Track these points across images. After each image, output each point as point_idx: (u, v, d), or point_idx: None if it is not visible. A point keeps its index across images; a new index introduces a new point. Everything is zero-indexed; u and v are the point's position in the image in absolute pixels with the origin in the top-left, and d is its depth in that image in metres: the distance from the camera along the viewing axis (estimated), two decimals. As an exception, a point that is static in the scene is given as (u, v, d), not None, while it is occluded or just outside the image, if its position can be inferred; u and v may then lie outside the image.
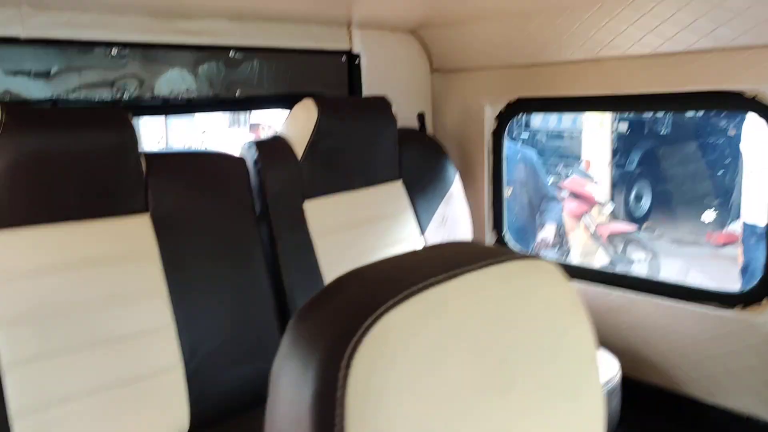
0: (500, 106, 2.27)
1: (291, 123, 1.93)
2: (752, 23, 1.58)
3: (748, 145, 4.38)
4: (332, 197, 1.94)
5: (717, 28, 1.64)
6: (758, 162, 4.20)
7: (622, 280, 2.04)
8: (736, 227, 5.74)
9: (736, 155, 4.62)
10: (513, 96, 2.22)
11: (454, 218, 2.17)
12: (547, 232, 4.51)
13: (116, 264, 1.48)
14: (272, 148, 1.86)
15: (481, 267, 0.53)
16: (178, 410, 1.52)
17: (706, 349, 1.81)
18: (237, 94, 1.93)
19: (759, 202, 4.34)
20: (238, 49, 1.91)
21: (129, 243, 1.52)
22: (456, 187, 2.19)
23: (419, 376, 0.47)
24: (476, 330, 0.51)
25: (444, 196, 2.16)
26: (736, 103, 1.72)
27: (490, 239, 2.35)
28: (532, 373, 0.54)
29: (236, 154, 1.83)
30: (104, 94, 1.68)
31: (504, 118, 2.28)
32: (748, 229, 4.62)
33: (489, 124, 2.30)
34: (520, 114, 2.31)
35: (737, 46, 1.65)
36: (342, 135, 1.91)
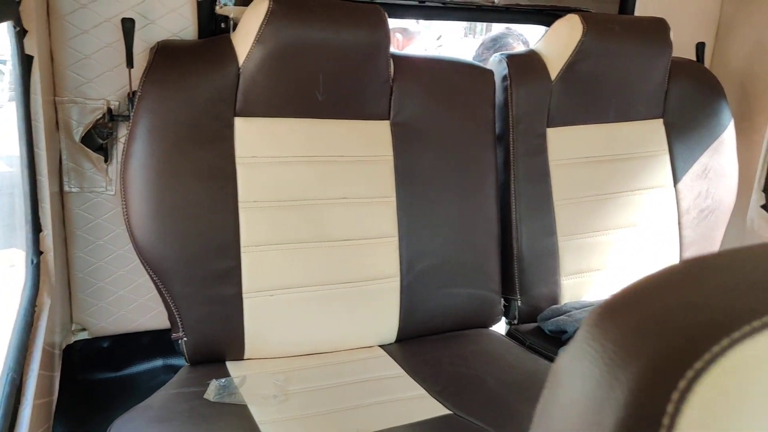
0: (809, 45, 1.84)
1: (550, 38, 1.74)
2: None
3: None
4: (580, 128, 1.75)
5: None
6: None
7: None
8: None
9: None
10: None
11: (719, 171, 1.86)
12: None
13: (354, 167, 1.48)
14: (524, 65, 1.70)
15: None
16: (390, 320, 1.53)
17: None
18: (496, 1, 1.77)
19: None
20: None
21: (368, 148, 1.50)
22: (728, 136, 1.86)
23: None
24: None
25: (711, 143, 1.85)
26: None
27: (756, 201, 1.99)
28: None
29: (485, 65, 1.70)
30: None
31: (810, 60, 1.86)
32: None
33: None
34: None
35: None
36: (606, 59, 1.68)
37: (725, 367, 0.32)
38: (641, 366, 0.33)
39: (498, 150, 1.66)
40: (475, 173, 1.61)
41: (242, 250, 1.37)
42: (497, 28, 2.79)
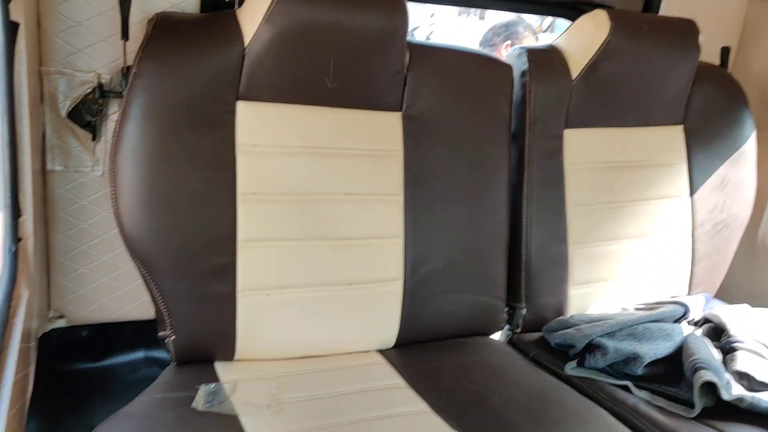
0: (838, 57, 1.77)
1: (573, 34, 1.64)
2: None
3: None
4: (598, 131, 1.66)
5: None
6: None
7: None
8: None
9: None
10: None
11: (737, 184, 1.79)
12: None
13: (361, 161, 1.38)
14: (545, 60, 1.60)
15: None
16: (390, 324, 1.45)
17: None
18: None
19: None
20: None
21: (377, 141, 1.40)
22: (749, 147, 1.79)
23: None
24: None
25: (732, 154, 1.77)
26: None
27: (769, 217, 1.93)
28: None
29: (503, 59, 1.61)
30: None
31: (839, 72, 1.78)
32: None
33: (814, 77, 1.82)
34: None
35: None
36: (631, 60, 1.59)
37: None
38: None
39: (512, 149, 1.58)
40: (487, 173, 1.52)
41: (238, 245, 1.28)
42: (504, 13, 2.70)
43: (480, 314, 1.57)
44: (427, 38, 8.49)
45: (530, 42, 2.62)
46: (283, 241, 1.32)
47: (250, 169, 1.28)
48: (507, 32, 2.66)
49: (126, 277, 1.49)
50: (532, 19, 2.42)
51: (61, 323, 1.49)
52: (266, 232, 1.30)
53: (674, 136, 1.75)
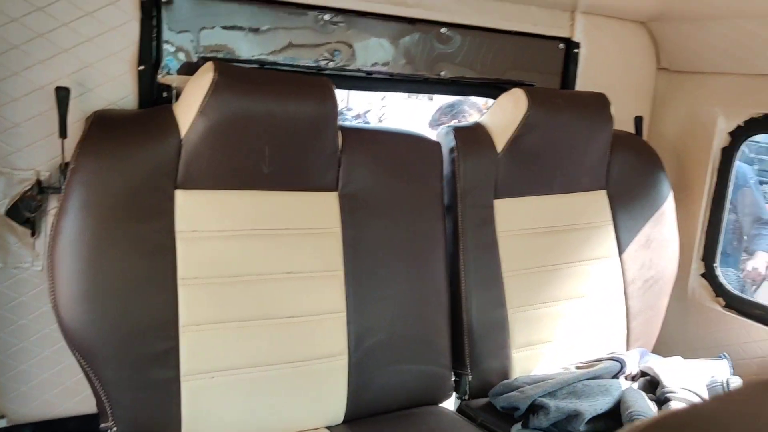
0: (738, 121, 1.93)
1: (496, 112, 1.76)
2: None
3: None
4: (526, 199, 1.76)
5: None
6: None
7: None
8: None
9: None
10: (757, 110, 1.87)
11: (661, 241, 1.89)
12: (758, 262, 3.95)
13: (300, 241, 1.43)
14: (471, 137, 1.71)
15: None
16: (337, 400, 1.46)
17: None
18: (442, 74, 1.79)
19: None
20: (449, 25, 1.77)
21: (315, 220, 1.46)
22: (668, 206, 1.91)
23: None
24: None
25: (653, 214, 1.89)
26: None
27: (696, 270, 2.03)
28: None
29: (432, 137, 1.71)
30: (310, 60, 1.62)
31: (740, 134, 1.94)
32: None
33: (719, 139, 1.97)
34: (764, 132, 1.95)
35: None
36: (550, 132, 1.71)
37: None
38: None
39: (447, 221, 1.65)
40: (424, 245, 1.59)
41: (181, 330, 1.29)
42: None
43: (427, 384, 1.59)
44: (379, 120, 8.80)
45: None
46: (225, 323, 1.34)
47: (190, 255, 1.32)
48: (453, 111, 2.81)
49: (68, 372, 1.47)
50: (476, 98, 2.56)
51: (1, 423, 1.45)
52: (208, 315, 1.32)
53: (599, 200, 1.86)
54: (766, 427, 0.35)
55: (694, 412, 0.37)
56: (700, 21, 1.89)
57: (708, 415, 0.37)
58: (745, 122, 1.92)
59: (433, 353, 1.59)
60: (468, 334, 1.64)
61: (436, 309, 1.59)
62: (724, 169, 1.97)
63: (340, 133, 1.49)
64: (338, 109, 1.46)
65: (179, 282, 1.30)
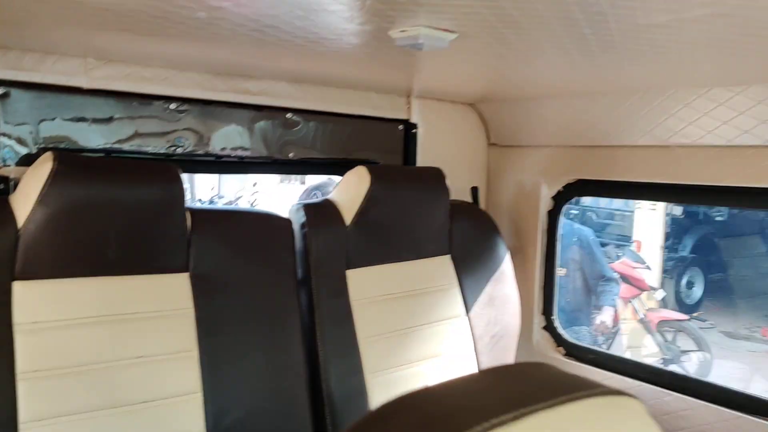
0: (558, 186, 2.19)
1: (342, 189, 1.89)
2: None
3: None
4: (377, 268, 1.87)
5: (800, 124, 1.55)
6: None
7: (679, 383, 1.88)
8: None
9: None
10: (572, 177, 2.14)
11: (503, 299, 2.07)
12: (605, 316, 4.33)
13: (150, 324, 1.43)
14: (320, 213, 1.81)
15: (554, 405, 0.44)
16: (196, 484, 1.43)
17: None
18: (291, 156, 1.90)
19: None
20: (295, 111, 1.90)
21: (166, 302, 1.47)
22: (507, 267, 2.10)
23: None
24: None
25: (493, 274, 2.06)
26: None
27: (538, 324, 2.23)
28: None
29: (284, 214, 1.79)
30: (159, 147, 1.67)
31: (561, 198, 2.20)
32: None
33: (545, 204, 2.21)
34: (579, 195, 2.22)
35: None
36: (393, 205, 1.86)
37: None
38: None
39: (302, 294, 1.71)
40: (279, 319, 1.63)
41: (20, 427, 1.24)
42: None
43: None
44: (251, 204, 8.80)
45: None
46: (72, 415, 1.30)
47: (31, 347, 1.28)
48: (321, 192, 2.94)
49: None
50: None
51: None
52: (52, 408, 1.28)
53: (444, 264, 2.01)
54: (492, 403, 0.45)
55: (427, 391, 0.46)
56: (519, 102, 2.15)
57: (440, 393, 0.46)
58: (564, 187, 2.18)
59: (294, 425, 1.60)
60: (328, 403, 1.67)
61: (294, 381, 1.62)
62: (552, 229, 2.20)
63: (189, 215, 1.53)
64: (185, 193, 1.51)
65: (18, 376, 1.25)
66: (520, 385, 0.47)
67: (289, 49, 1.43)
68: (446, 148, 2.24)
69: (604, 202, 8.74)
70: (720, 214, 8.35)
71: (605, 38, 1.23)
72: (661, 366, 4.61)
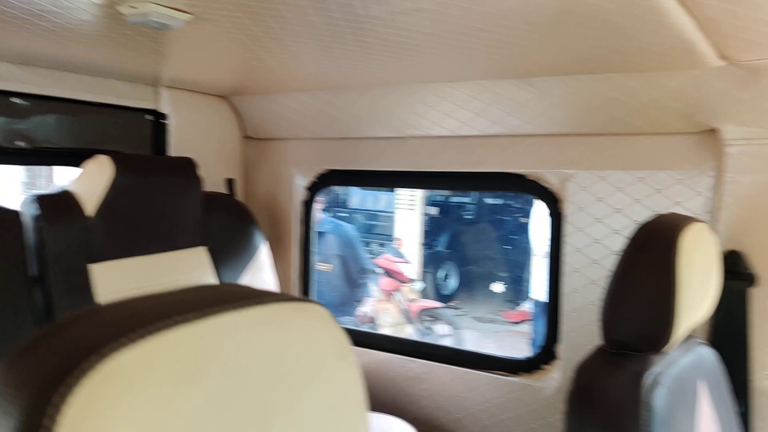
0: (310, 177, 2.29)
1: (83, 178, 1.77)
2: (531, 115, 1.78)
3: (533, 228, 4.89)
4: (125, 261, 1.79)
5: (504, 117, 1.82)
6: (539, 243, 4.70)
7: (421, 350, 2.09)
8: (529, 305, 6.31)
9: (528, 238, 5.17)
10: (323, 167, 2.26)
11: (260, 286, 2.10)
12: (367, 306, 4.60)
13: None
14: (57, 204, 1.68)
15: (240, 307, 0.49)
16: None
17: (494, 414, 1.90)
18: (22, 145, 1.74)
19: (541, 280, 4.83)
20: (23, 95, 1.74)
21: None
22: (263, 255, 2.14)
23: (152, 423, 0.41)
24: (230, 372, 0.46)
25: (249, 263, 2.09)
26: (520, 184, 1.90)
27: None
28: (293, 420, 0.50)
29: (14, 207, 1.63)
30: None
31: (314, 188, 2.30)
32: (536, 305, 5.10)
33: (299, 194, 2.31)
34: (330, 185, 2.35)
35: (521, 133, 1.84)
36: (140, 195, 1.79)
37: (96, 378, 0.39)
38: (25, 394, 0.39)
39: (38, 291, 1.58)
40: (6, 321, 1.49)
41: None
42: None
43: None
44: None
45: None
46: None
47: None
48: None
49: None
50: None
51: None
52: None
53: (199, 256, 1.99)
54: (180, 306, 0.48)
55: (117, 302, 0.48)
56: (270, 95, 2.22)
57: (130, 302, 0.48)
58: (317, 178, 2.29)
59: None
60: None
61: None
62: (306, 219, 2.30)
63: None
64: None
65: None
66: (212, 293, 0.51)
67: (9, 23, 1.32)
68: (200, 140, 2.22)
69: (369, 204, 9.28)
70: (469, 213, 9.36)
71: (333, 29, 1.34)
72: (405, 337, 5.05)
